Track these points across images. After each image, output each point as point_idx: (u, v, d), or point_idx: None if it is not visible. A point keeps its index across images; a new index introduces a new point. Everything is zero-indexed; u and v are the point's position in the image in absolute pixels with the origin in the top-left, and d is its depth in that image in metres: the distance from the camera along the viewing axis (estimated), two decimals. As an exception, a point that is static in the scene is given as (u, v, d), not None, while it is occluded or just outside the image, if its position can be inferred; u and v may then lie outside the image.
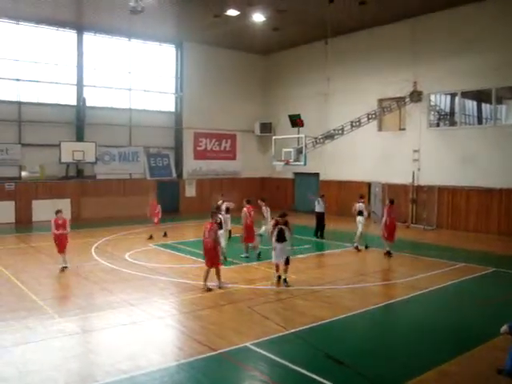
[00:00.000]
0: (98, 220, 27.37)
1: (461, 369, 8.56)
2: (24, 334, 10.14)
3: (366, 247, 19.90)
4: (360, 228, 19.81)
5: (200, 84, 33.24)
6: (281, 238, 14.07)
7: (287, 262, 14.17)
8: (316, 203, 23.39)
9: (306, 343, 9.84)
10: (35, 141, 27.74)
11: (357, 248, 19.57)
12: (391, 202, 18.90)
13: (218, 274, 13.67)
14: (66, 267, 15.80)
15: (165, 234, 22.54)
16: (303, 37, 30.92)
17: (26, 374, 8.28)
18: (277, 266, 14.28)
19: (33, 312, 11.58)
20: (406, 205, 26.95)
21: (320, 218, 23.07)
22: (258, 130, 35.65)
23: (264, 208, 20.23)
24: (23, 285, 13.95)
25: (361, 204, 20.16)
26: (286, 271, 14.11)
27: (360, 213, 19.92)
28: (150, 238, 21.66)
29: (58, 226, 15.70)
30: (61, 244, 15.83)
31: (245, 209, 18.54)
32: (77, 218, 28.37)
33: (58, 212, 15.95)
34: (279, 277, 14.27)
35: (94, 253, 18.67)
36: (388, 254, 18.27)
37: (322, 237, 22.72)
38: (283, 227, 14.10)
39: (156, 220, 22.00)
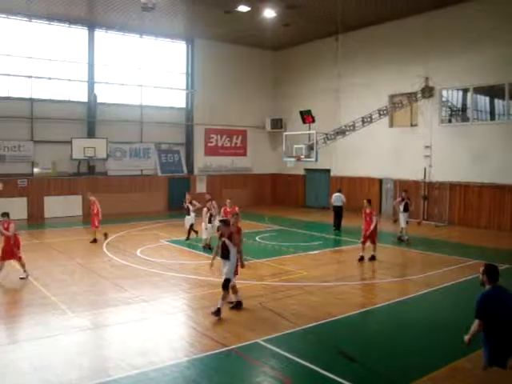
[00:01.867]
0: (109, 216, 27.42)
1: (473, 366, 8.51)
2: (37, 330, 10.23)
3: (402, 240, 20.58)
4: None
5: (211, 80, 33.25)
6: (224, 254, 11.23)
7: (224, 285, 11.05)
8: (333, 198, 24.25)
9: (317, 339, 9.85)
10: (47, 137, 27.88)
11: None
12: (369, 201, 17.69)
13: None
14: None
15: (105, 235, 20.69)
16: (314, 32, 30.81)
17: (40, 368, 8.35)
18: (233, 288, 11.52)
19: (46, 308, 11.67)
20: (417, 201, 26.80)
21: (338, 211, 24.00)
22: (268, 126, 35.62)
23: (209, 206, 19.20)
24: (36, 281, 14.05)
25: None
26: (223, 298, 11.04)
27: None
28: (94, 241, 20.13)
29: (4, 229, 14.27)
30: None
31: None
32: (88, 214, 28.48)
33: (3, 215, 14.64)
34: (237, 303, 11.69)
35: (105, 249, 18.76)
36: (373, 258, 17.02)
37: (338, 229, 23.77)
38: (226, 241, 11.13)
39: (96, 222, 20.26)
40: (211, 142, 34.25)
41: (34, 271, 15.12)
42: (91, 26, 29.23)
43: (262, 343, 9.42)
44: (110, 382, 7.89)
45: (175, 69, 33.03)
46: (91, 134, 29.45)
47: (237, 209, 17.13)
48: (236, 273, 11.79)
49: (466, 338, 6.85)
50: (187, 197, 20.93)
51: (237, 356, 8.95)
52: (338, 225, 23.99)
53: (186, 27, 30.92)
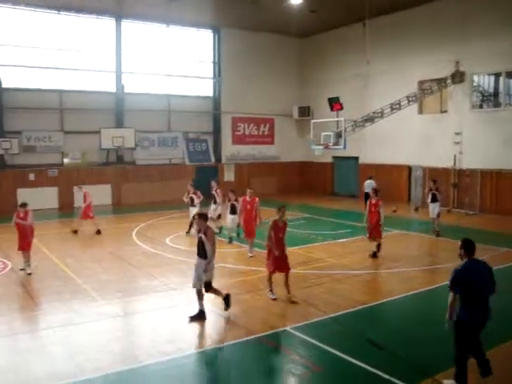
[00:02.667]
0: (138, 205, 27.75)
1: (506, 357, 8.40)
2: (69, 316, 10.41)
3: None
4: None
5: (237, 68, 33.19)
6: (200, 252, 10.03)
7: (207, 287, 10.14)
8: (365, 184, 24.59)
9: (346, 327, 9.82)
10: (76, 128, 28.21)
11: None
12: (375, 191, 16.53)
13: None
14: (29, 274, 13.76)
15: (98, 232, 19.95)
16: (341, 18, 30.43)
17: (73, 354, 8.51)
18: (198, 294, 10.20)
19: (77, 295, 11.86)
20: (447, 189, 26.43)
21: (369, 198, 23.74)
22: (296, 113, 35.43)
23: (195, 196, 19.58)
24: (68, 268, 14.29)
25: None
26: (200, 299, 10.16)
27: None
28: (75, 232, 19.78)
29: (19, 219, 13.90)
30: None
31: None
32: (117, 203, 28.86)
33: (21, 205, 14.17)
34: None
35: (135, 237, 18.96)
36: (375, 255, 15.61)
37: None
38: (203, 237, 9.90)
39: (91, 214, 19.96)
40: (238, 131, 34.25)
41: (65, 259, 15.38)
42: (118, 16, 29.39)
43: (291, 331, 9.43)
44: (140, 368, 8.01)
45: (202, 58, 33.04)
46: (119, 123, 29.70)
47: (257, 199, 16.17)
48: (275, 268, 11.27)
49: (447, 315, 7.29)
50: (189, 188, 20.07)
51: (265, 344, 8.98)
52: None
53: (212, 16, 30.86)
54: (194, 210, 18.88)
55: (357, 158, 31.87)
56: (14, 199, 26.06)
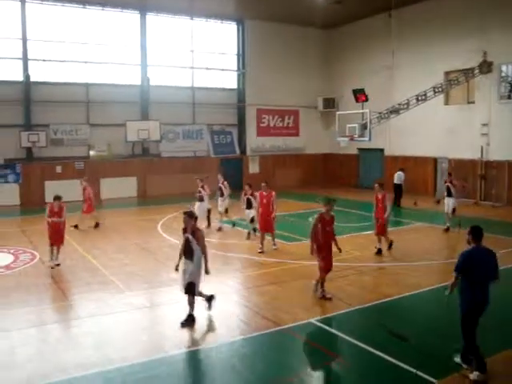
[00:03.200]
0: (163, 197, 27.96)
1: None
2: (98, 306, 10.59)
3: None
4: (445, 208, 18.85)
5: (262, 60, 33.12)
6: (187, 253, 9.57)
7: (189, 290, 9.51)
8: (395, 176, 25.31)
9: (371, 320, 9.81)
10: (102, 121, 28.51)
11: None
12: (381, 185, 15.59)
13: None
14: (57, 264, 13.91)
15: (96, 225, 19.81)
16: (366, 9, 30.14)
17: (101, 344, 8.67)
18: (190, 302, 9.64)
19: (104, 286, 12.04)
20: (474, 181, 26.14)
21: (398, 189, 24.89)
22: (321, 105, 35.25)
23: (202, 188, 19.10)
24: (95, 260, 14.50)
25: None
26: (191, 303, 9.58)
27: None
28: (76, 227, 19.32)
29: (52, 214, 13.98)
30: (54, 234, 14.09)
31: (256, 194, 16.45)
32: (143, 195, 29.12)
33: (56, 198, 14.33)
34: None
35: (160, 229, 19.13)
36: (380, 251, 14.93)
37: (399, 205, 24.34)
38: (190, 237, 9.49)
39: (91, 208, 19.87)
40: (263, 123, 34.23)
41: (92, 251, 15.61)
42: (143, 9, 29.55)
43: (316, 323, 9.46)
44: (167, 358, 8.12)
45: (226, 50, 33.05)
46: (145, 116, 29.91)
47: (273, 193, 15.77)
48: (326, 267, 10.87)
49: (448, 290, 7.66)
50: (198, 182, 19.32)
51: (291, 335, 9.02)
52: (398, 202, 24.57)
53: (236, 8, 30.81)
54: (202, 205, 18.83)
55: (382, 150, 31.62)
56: (41, 191, 26.58)
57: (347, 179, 34.53)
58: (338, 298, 10.81)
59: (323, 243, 10.82)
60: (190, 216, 9.71)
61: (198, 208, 18.19)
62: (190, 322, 9.39)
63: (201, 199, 18.89)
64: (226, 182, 19.36)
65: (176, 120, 30.82)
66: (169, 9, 30.02)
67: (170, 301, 11.11)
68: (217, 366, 7.99)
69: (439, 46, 27.60)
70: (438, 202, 24.57)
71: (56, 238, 13.99)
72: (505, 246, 15.66)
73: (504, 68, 25.51)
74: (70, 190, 26.07)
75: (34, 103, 27.02)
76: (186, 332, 9.13)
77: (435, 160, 28.40)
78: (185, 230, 9.64)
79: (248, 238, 17.25)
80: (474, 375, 7.34)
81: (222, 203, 19.28)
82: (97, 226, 19.72)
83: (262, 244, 15.31)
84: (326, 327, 9.24)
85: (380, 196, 15.04)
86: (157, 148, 30.39)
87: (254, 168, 33.46)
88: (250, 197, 17.11)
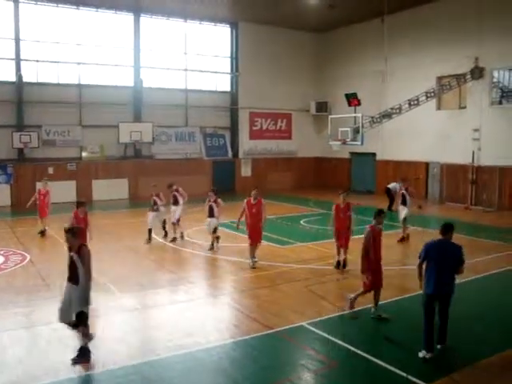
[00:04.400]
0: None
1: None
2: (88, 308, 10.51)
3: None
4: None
5: (255, 64, 33.17)
6: (72, 275, 8.38)
7: (80, 320, 8.10)
8: (393, 185, 24.75)
9: (363, 324, 9.82)
10: (95, 122, 28.46)
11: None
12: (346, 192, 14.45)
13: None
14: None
15: (42, 233, 18.23)
16: (359, 14, 30.27)
17: (92, 345, 8.59)
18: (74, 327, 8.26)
19: (95, 288, 11.87)
20: (465, 186, 26.27)
21: (390, 193, 24.88)
22: (313, 109, 35.34)
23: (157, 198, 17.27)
24: (86, 261, 14.40)
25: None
26: (85, 335, 8.19)
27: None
28: (42, 233, 18.18)
29: (79, 221, 13.12)
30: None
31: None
32: (134, 197, 29.03)
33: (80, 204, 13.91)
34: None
35: (152, 232, 19.03)
36: (344, 265, 13.56)
37: (389, 208, 24.03)
38: (74, 256, 8.21)
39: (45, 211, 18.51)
40: (256, 126, 34.27)
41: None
42: (136, 11, 29.54)
43: (308, 326, 9.46)
44: (158, 361, 8.09)
45: (219, 53, 33.09)
46: (137, 118, 29.88)
47: (263, 201, 14.15)
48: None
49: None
50: (154, 189, 17.57)
51: (282, 339, 9.02)
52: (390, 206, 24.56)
53: (230, 11, 30.86)
54: (158, 215, 17.38)
55: (374, 154, 31.73)
56: (32, 192, 26.36)
57: (339, 183, 34.48)
58: (329, 302, 10.82)
59: (374, 258, 9.95)
60: (72, 233, 8.19)
61: (153, 218, 17.15)
62: (85, 355, 8.01)
63: (156, 209, 17.26)
64: (181, 189, 17.86)
65: (169, 122, 30.81)
66: (163, 11, 30.02)
67: (161, 303, 11.09)
68: (208, 370, 7.96)
69: (431, 51, 27.75)
70: (420, 207, 24.79)
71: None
72: (498, 251, 15.78)
73: (495, 74, 25.69)
74: (62, 191, 26.05)
75: (27, 104, 26.93)
76: (175, 335, 9.11)
77: (427, 164, 28.50)
78: (70, 249, 8.26)
79: (211, 248, 15.83)
80: (421, 353, 8.09)
81: (173, 213, 17.40)
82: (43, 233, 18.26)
83: (253, 257, 13.88)
84: (318, 331, 9.24)
85: (342, 206, 13.47)
86: (149, 150, 30.36)
87: (246, 171, 33.49)
88: (213, 204, 15.80)
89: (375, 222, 10.19)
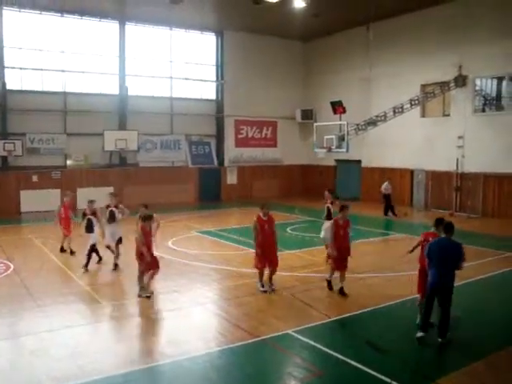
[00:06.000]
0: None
1: (509, 360, 8.42)
2: (73, 318, 10.43)
3: None
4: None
5: (240, 71, 33.23)
6: None
7: None
8: (384, 186, 25.67)
9: (349, 331, 9.83)
10: (80, 130, 28.30)
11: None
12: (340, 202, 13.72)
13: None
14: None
15: (69, 251, 16.62)
16: (344, 22, 30.48)
17: (76, 356, 8.52)
18: None
19: (79, 296, 11.89)
20: (449, 192, 26.47)
21: (387, 199, 25.42)
22: (299, 116, 35.46)
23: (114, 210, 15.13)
24: (70, 271, 14.31)
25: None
26: None
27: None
28: (65, 251, 16.71)
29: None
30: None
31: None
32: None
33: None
34: None
35: (137, 240, 18.91)
36: (343, 292, 11.97)
37: (393, 214, 25.28)
38: None
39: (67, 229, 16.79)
40: (241, 134, 34.29)
41: (68, 261, 15.40)
42: (122, 19, 29.48)
43: (294, 334, 9.43)
44: (144, 370, 8.02)
45: (205, 61, 33.11)
46: (122, 126, 29.77)
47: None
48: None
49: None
50: (111, 199, 15.50)
51: (268, 346, 8.98)
52: (389, 211, 25.51)
53: (216, 19, 30.94)
54: (113, 228, 14.94)
55: (359, 162, 31.87)
56: (16, 201, 26.26)
57: (325, 190, 34.57)
58: (315, 309, 10.81)
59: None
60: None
61: (109, 233, 14.83)
62: None
63: (112, 220, 14.90)
64: (122, 205, 15.59)
65: (154, 130, 30.73)
66: (148, 19, 29.99)
67: (147, 312, 11.00)
68: (194, 378, 7.91)
69: (416, 59, 28.01)
70: (406, 214, 25.21)
71: None
72: (484, 257, 15.87)
73: (478, 82, 25.98)
74: (46, 199, 25.88)
75: (10, 111, 26.74)
76: (162, 343, 9.05)
77: (412, 172, 28.67)
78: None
79: (115, 268, 14.41)
80: (418, 333, 9.04)
81: (112, 234, 14.88)
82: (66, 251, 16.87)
83: (262, 281, 12.33)
84: (304, 338, 9.21)
85: (341, 222, 12.11)
86: (134, 158, 30.24)
87: (231, 179, 33.48)
88: (114, 209, 14.81)
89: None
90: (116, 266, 14.52)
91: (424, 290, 9.61)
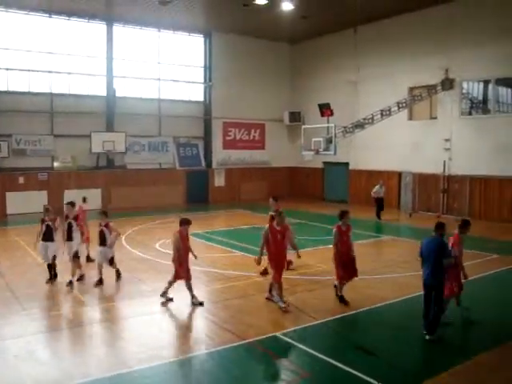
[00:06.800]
0: (128, 209, 27.63)
1: (496, 360, 8.46)
2: (56, 321, 10.35)
3: None
4: None
5: (228, 73, 33.21)
6: None
7: None
8: (377, 189, 25.29)
9: (336, 333, 9.83)
10: (67, 131, 28.13)
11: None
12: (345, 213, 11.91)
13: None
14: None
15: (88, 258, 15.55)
16: (332, 25, 30.59)
17: (62, 359, 8.46)
18: None
19: (66, 299, 11.79)
20: (436, 195, 26.62)
21: (379, 202, 25.06)
22: (286, 119, 35.51)
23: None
24: (57, 272, 14.17)
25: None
26: None
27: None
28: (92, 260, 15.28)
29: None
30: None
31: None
32: (107, 207, 28.69)
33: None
34: None
35: (124, 242, 18.86)
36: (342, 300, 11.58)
37: (379, 218, 24.90)
38: None
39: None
40: (229, 136, 34.25)
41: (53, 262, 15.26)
42: (109, 20, 29.36)
43: (281, 337, 9.42)
44: (130, 373, 7.96)
45: (193, 62, 33.06)
46: (110, 127, 29.62)
47: (290, 226, 12.03)
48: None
49: None
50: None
51: (255, 349, 8.96)
52: (378, 214, 25.17)
53: (204, 21, 30.92)
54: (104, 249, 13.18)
55: (347, 164, 31.95)
56: (2, 203, 26.03)
57: (312, 192, 34.75)
58: (303, 312, 10.80)
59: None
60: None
61: (99, 253, 13.30)
62: None
63: (102, 242, 13.19)
64: (111, 224, 13.40)
65: (142, 132, 30.63)
66: (136, 20, 29.90)
67: (133, 314, 10.94)
68: (181, 381, 7.87)
69: (403, 62, 28.17)
70: (410, 215, 25.22)
71: None
72: (470, 259, 15.70)
73: (465, 85, 26.18)
74: (33, 201, 25.72)
75: (-4, 113, 26.53)
76: (148, 347, 8.99)
77: (399, 174, 28.79)
78: None
79: (97, 284, 12.95)
80: (428, 337, 9.16)
81: (75, 245, 13.39)
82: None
83: (282, 297, 11.19)
84: (291, 341, 9.21)
85: (344, 228, 11.67)
86: (122, 160, 30.10)
87: (219, 181, 33.44)
88: (104, 228, 13.16)
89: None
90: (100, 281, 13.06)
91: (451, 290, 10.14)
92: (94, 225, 14.15)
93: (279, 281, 11.13)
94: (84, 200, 17.00)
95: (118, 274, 13.57)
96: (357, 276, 11.59)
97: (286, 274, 13.89)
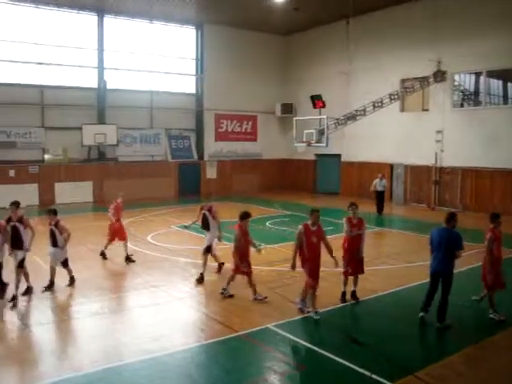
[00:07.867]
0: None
1: (486, 353, 8.51)
2: (51, 314, 10.31)
3: None
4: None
5: (221, 65, 33.08)
6: None
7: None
8: (377, 182, 24.45)
9: (328, 325, 9.84)
10: (58, 124, 27.95)
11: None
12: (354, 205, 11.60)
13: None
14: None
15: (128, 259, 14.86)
16: (324, 16, 30.51)
17: (54, 352, 8.44)
18: None
19: (58, 292, 11.74)
20: (428, 187, 26.70)
21: (380, 196, 24.36)
22: (279, 111, 35.45)
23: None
24: (47, 265, 14.09)
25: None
26: None
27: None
28: (133, 260, 14.82)
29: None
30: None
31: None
32: (99, 200, 28.60)
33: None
34: None
35: (116, 235, 18.78)
36: (355, 297, 11.39)
37: (380, 213, 24.20)
38: None
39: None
40: (221, 128, 34.17)
41: (45, 256, 15.19)
42: (100, 11, 29.12)
43: (273, 328, 9.44)
44: (122, 367, 7.96)
45: (185, 54, 32.90)
46: (101, 120, 29.47)
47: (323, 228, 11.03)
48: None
49: None
50: (53, 218, 12.37)
51: (247, 341, 8.97)
52: (380, 209, 24.47)
53: (196, 12, 30.71)
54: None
55: (339, 156, 31.97)
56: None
57: (304, 184, 34.77)
58: (294, 303, 10.79)
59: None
60: None
61: (50, 254, 12.42)
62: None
63: (54, 243, 12.26)
64: (61, 223, 12.47)
65: (133, 124, 30.50)
66: (127, 11, 29.66)
67: (125, 307, 10.94)
68: (173, 374, 7.86)
69: (395, 53, 28.16)
70: (433, 208, 25.18)
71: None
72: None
73: (457, 77, 26.22)
74: (23, 194, 25.51)
75: (-14, 105, 26.31)
76: (141, 339, 8.98)
77: (391, 166, 28.84)
78: None
79: (45, 289, 11.87)
80: (438, 324, 9.48)
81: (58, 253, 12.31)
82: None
83: (314, 305, 10.33)
84: (283, 332, 9.22)
85: (355, 221, 11.63)
86: (114, 152, 29.96)
87: (211, 173, 33.36)
88: (54, 228, 12.18)
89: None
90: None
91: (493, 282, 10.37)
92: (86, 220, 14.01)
93: (315, 287, 10.25)
94: (119, 196, 16.40)
95: (72, 280, 12.30)
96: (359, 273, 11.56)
97: (278, 266, 13.95)
